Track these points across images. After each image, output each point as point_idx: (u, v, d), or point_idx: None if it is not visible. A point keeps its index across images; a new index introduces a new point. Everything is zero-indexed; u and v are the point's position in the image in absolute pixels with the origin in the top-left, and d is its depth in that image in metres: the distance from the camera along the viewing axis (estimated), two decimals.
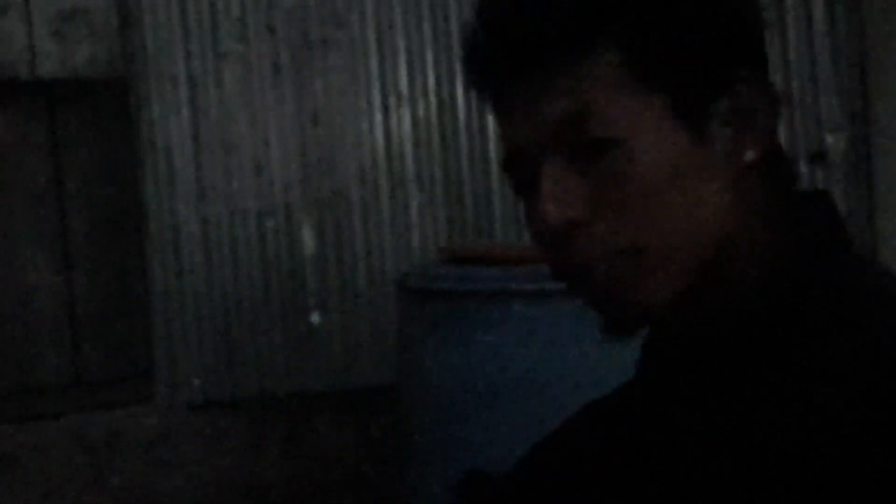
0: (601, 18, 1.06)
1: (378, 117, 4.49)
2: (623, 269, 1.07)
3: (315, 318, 4.42)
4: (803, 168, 4.72)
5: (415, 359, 3.26)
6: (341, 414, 4.44)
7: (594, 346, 3.10)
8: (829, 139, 4.75)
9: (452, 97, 4.52)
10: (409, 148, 4.50)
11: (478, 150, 4.53)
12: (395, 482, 3.84)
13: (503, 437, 3.02)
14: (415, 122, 4.51)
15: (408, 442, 3.33)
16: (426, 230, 4.49)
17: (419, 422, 3.26)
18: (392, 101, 4.50)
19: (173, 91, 4.34)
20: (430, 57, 4.51)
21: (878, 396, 0.94)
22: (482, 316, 3.13)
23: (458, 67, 4.52)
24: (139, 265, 4.57)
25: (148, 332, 4.42)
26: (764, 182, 1.11)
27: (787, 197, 1.12)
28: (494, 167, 4.54)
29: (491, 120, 4.52)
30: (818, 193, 1.15)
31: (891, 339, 0.98)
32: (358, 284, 4.46)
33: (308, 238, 4.43)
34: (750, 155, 1.10)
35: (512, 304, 3.14)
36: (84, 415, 4.26)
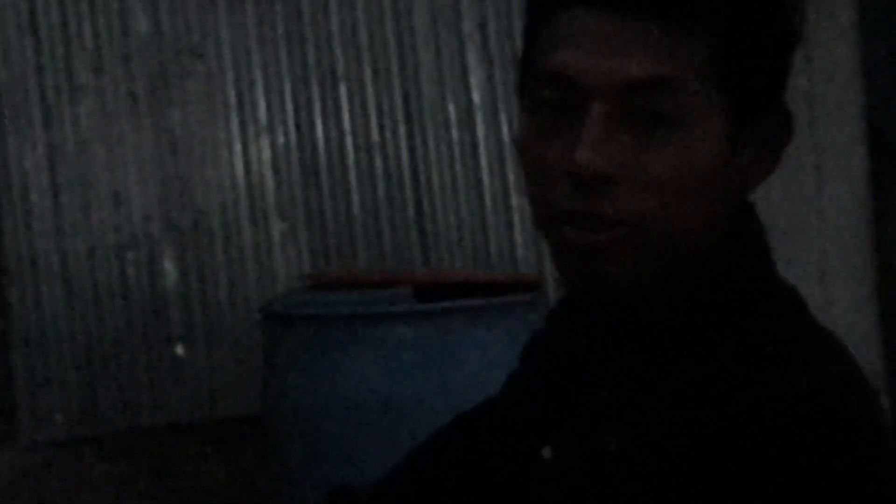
0: (711, 8, 1.08)
1: (237, 146, 4.49)
2: (617, 241, 1.09)
3: (179, 349, 4.39)
4: None
5: (281, 384, 3.27)
6: (209, 446, 4.41)
7: (458, 366, 3.14)
8: None
9: (311, 125, 4.55)
10: (269, 176, 4.51)
11: (338, 176, 4.55)
12: None
13: (371, 458, 3.05)
14: (274, 151, 4.52)
15: (278, 469, 3.33)
16: (289, 258, 4.50)
17: (288, 448, 3.27)
18: (251, 130, 4.50)
19: (28, 127, 4.29)
20: (287, 86, 4.53)
21: (778, 384, 1.02)
22: (346, 339, 3.16)
23: (316, 94, 4.55)
24: None
25: (8, 369, 4.34)
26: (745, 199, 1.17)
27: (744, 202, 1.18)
28: (355, 194, 4.56)
29: (350, 146, 4.55)
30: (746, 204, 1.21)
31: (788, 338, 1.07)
32: (222, 314, 4.44)
33: (170, 269, 4.41)
34: (759, 178, 1.16)
35: (376, 326, 3.18)
36: None
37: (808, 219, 4.73)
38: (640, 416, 1.03)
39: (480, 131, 4.57)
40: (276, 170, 4.51)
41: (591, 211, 1.08)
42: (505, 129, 4.50)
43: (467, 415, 1.38)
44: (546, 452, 1.14)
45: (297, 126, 4.53)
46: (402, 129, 4.54)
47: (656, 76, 1.07)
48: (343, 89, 4.51)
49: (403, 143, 4.54)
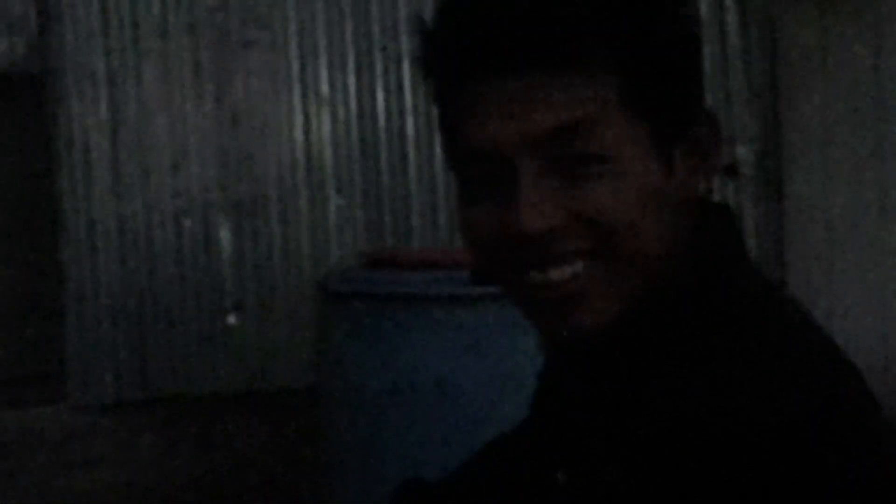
0: (607, 38, 1.07)
1: (298, 120, 4.49)
2: (582, 276, 1.09)
3: (231, 319, 4.40)
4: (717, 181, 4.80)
5: (336, 361, 3.26)
6: (255, 416, 4.42)
7: (513, 350, 3.13)
8: (741, 152, 4.84)
9: (373, 101, 4.53)
10: (328, 151, 4.50)
11: (397, 154, 4.54)
12: (309, 485, 3.84)
13: (423, 440, 3.04)
14: (335, 126, 4.51)
15: (327, 444, 3.33)
16: (344, 234, 4.50)
17: (339, 424, 3.27)
18: (312, 103, 4.50)
19: (92, 88, 4.30)
20: (351, 61, 4.52)
21: (758, 393, 1.00)
22: (404, 319, 3.15)
23: (379, 70, 4.53)
24: (53, 263, 4.51)
25: (61, 330, 4.37)
26: (696, 208, 1.15)
27: (699, 212, 1.16)
28: (413, 172, 4.55)
29: (411, 125, 4.54)
30: (720, 208, 1.20)
31: (761, 344, 1.05)
32: (275, 287, 4.45)
33: (225, 239, 4.41)
34: (702, 188, 1.15)
35: (433, 308, 3.16)
36: None
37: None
38: (632, 444, 1.03)
39: None
40: (335, 145, 4.51)
41: (550, 253, 1.09)
42: None
43: (505, 435, 1.39)
44: (561, 477, 1.14)
45: (359, 101, 4.52)
46: None
47: (571, 122, 1.07)
48: (407, 67, 4.49)
49: None
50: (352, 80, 4.53)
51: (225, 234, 4.41)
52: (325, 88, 4.50)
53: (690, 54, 1.14)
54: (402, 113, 4.54)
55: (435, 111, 1.17)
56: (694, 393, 1.02)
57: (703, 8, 4.75)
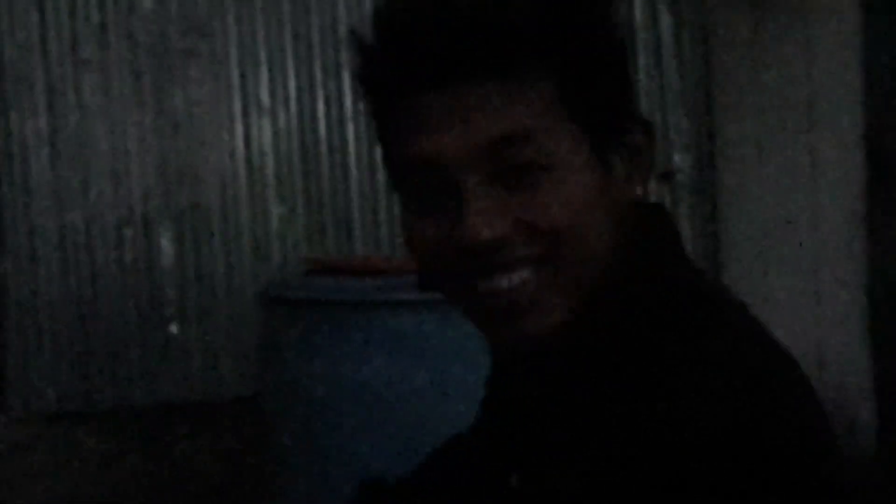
0: (543, 48, 1.10)
1: (239, 128, 4.49)
2: (528, 283, 1.11)
3: (173, 328, 4.39)
4: (652, 187, 4.86)
5: (281, 368, 3.27)
6: (199, 425, 4.41)
7: (456, 355, 3.15)
8: (677, 158, 4.90)
9: (313, 109, 4.55)
10: (269, 159, 4.51)
11: (338, 162, 4.56)
12: (254, 493, 3.84)
13: (367, 446, 3.05)
14: (276, 133, 4.52)
15: (272, 451, 3.34)
16: (286, 242, 4.50)
17: (283, 431, 3.27)
18: (253, 111, 4.50)
19: (31, 97, 4.28)
20: (291, 68, 4.53)
21: (707, 390, 1.02)
22: (347, 325, 3.16)
23: (319, 79, 4.55)
24: None
25: (1, 341, 4.34)
26: (633, 210, 1.18)
27: (636, 214, 1.19)
28: (354, 179, 4.57)
29: (351, 132, 4.56)
30: (656, 207, 1.23)
31: (707, 341, 1.07)
32: (217, 295, 4.45)
33: (167, 248, 4.41)
34: (639, 189, 1.18)
35: (376, 314, 3.17)
36: None
37: (802, 223, 4.77)
38: (582, 447, 1.05)
39: None
40: (276, 153, 4.51)
41: (497, 261, 1.11)
42: None
43: (458, 437, 1.41)
44: (514, 481, 1.16)
45: (300, 109, 4.53)
46: None
47: (512, 132, 1.09)
48: (346, 74, 4.51)
49: None
50: (292, 88, 4.53)
51: (166, 244, 4.40)
52: (265, 97, 4.51)
53: (622, 61, 1.17)
54: (342, 120, 4.55)
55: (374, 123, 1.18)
56: (641, 395, 1.04)
57: (637, 14, 4.80)
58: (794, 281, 4.80)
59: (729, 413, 1.00)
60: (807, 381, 1.11)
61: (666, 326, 1.09)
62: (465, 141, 1.09)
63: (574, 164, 1.11)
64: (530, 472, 1.13)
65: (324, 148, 4.54)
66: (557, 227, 1.10)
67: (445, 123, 1.09)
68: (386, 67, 1.12)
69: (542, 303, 1.12)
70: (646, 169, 1.19)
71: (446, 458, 1.41)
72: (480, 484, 1.27)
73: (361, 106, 4.52)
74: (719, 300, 1.15)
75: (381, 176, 4.54)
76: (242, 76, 4.49)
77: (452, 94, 1.09)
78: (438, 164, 1.10)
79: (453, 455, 1.40)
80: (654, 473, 1.00)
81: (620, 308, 1.12)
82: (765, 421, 1.01)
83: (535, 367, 1.17)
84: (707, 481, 0.98)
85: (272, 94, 4.51)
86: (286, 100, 4.52)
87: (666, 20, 4.85)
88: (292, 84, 4.53)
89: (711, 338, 1.08)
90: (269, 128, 4.51)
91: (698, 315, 1.11)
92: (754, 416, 1.01)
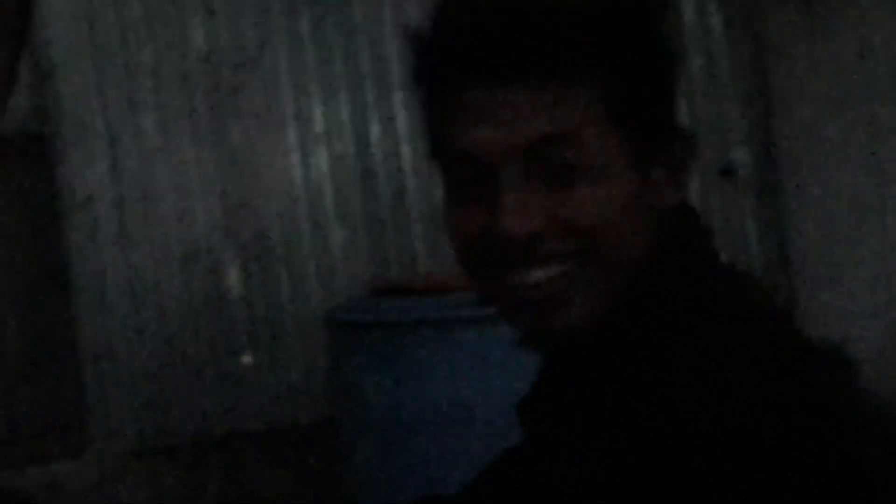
0: (595, 55, 1.14)
1: (295, 157, 4.55)
2: (563, 276, 1.14)
3: (246, 358, 4.45)
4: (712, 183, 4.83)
5: (353, 391, 3.31)
6: (277, 453, 4.46)
7: (521, 369, 3.16)
8: (738, 154, 4.88)
9: (367, 133, 4.59)
10: (327, 185, 4.56)
11: (395, 183, 4.60)
12: None
13: (444, 463, 3.08)
14: (332, 160, 4.57)
15: (350, 475, 3.37)
16: (349, 265, 4.55)
17: (359, 454, 3.31)
18: (308, 140, 4.55)
19: (91, 142, 4.36)
20: (343, 94, 4.58)
21: (719, 390, 1.04)
22: (416, 345, 3.19)
23: (371, 102, 4.59)
24: (65, 316, 4.56)
25: (79, 382, 4.41)
26: (667, 215, 1.21)
27: (670, 219, 1.22)
28: (412, 198, 4.60)
29: (407, 152, 4.59)
30: (685, 209, 1.24)
31: (726, 344, 1.09)
32: (286, 322, 4.50)
33: (234, 280, 4.47)
34: (674, 199, 1.21)
35: (444, 331, 3.21)
36: (19, 469, 4.24)
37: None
38: (618, 442, 1.07)
39: None
40: (334, 178, 4.56)
41: (532, 255, 1.14)
42: None
43: (511, 450, 1.43)
44: (556, 478, 1.18)
45: (354, 134, 4.58)
46: None
47: (554, 134, 1.12)
48: (397, 97, 4.55)
49: None
50: (345, 114, 4.58)
51: (233, 275, 4.46)
52: (319, 124, 4.56)
53: (671, 73, 1.21)
54: (396, 141, 4.60)
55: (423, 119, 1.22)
56: (650, 395, 1.07)
57: (688, 13, 4.80)
58: (864, 271, 4.77)
59: (730, 414, 1.03)
60: (840, 386, 1.12)
61: (683, 328, 1.12)
62: (509, 138, 1.13)
63: (612, 170, 1.15)
64: (570, 469, 1.16)
65: (380, 170, 4.59)
66: (591, 226, 1.14)
67: (492, 119, 1.14)
68: (442, 61, 1.17)
69: (571, 299, 1.15)
70: (683, 181, 1.22)
71: (499, 471, 1.43)
72: (528, 487, 1.30)
73: (415, 124, 4.56)
74: (745, 302, 1.17)
75: (438, 192, 4.57)
76: (296, 106, 4.54)
77: (502, 91, 1.13)
78: (481, 157, 1.15)
79: (507, 464, 1.43)
80: (666, 473, 1.02)
81: (642, 309, 1.15)
82: (772, 424, 1.04)
83: (568, 363, 1.20)
84: (718, 480, 1.01)
85: (326, 120, 4.56)
86: (340, 125, 4.57)
87: (717, 17, 4.84)
88: (345, 109, 4.58)
89: (726, 339, 1.10)
90: (326, 154, 4.56)
91: (716, 317, 1.13)
92: (761, 419, 1.03)
